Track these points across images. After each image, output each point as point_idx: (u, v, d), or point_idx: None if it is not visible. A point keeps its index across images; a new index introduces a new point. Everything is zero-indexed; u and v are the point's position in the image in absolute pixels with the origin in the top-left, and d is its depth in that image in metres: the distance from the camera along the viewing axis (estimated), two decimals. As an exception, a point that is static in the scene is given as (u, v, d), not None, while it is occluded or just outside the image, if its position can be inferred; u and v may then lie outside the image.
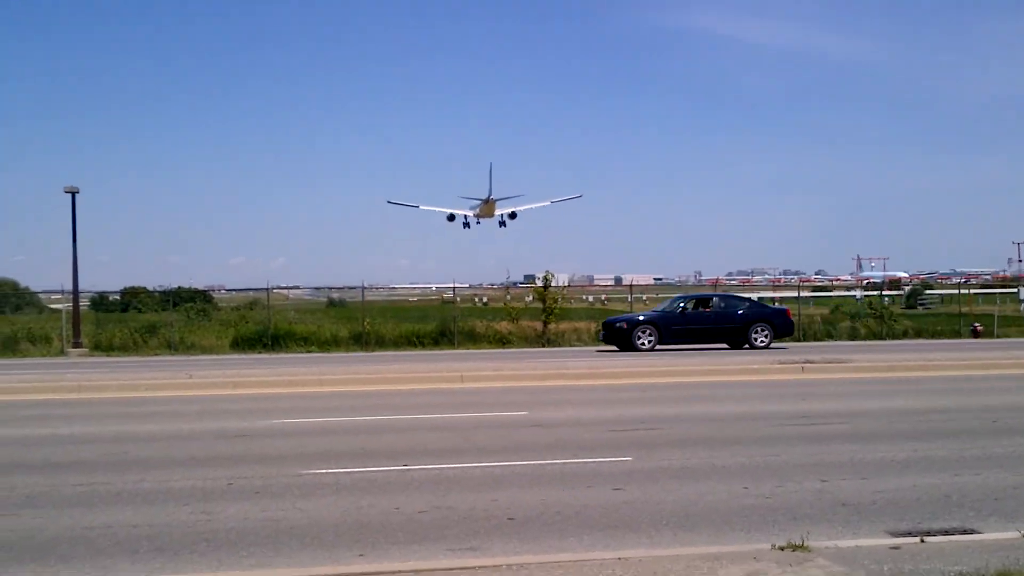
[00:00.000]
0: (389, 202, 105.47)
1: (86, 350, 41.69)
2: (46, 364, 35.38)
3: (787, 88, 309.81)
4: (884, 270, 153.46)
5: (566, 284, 55.62)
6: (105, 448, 15.09)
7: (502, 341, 43.73)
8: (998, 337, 46.88)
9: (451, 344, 43.20)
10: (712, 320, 37.65)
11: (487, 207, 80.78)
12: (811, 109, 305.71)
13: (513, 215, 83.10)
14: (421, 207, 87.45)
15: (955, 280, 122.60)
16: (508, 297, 61.13)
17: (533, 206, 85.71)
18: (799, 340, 43.24)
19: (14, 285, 75.12)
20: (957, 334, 47.83)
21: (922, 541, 8.83)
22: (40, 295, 71.83)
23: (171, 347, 42.28)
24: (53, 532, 9.82)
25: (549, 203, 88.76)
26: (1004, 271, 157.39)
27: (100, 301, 75.67)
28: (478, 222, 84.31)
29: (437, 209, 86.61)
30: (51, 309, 63.82)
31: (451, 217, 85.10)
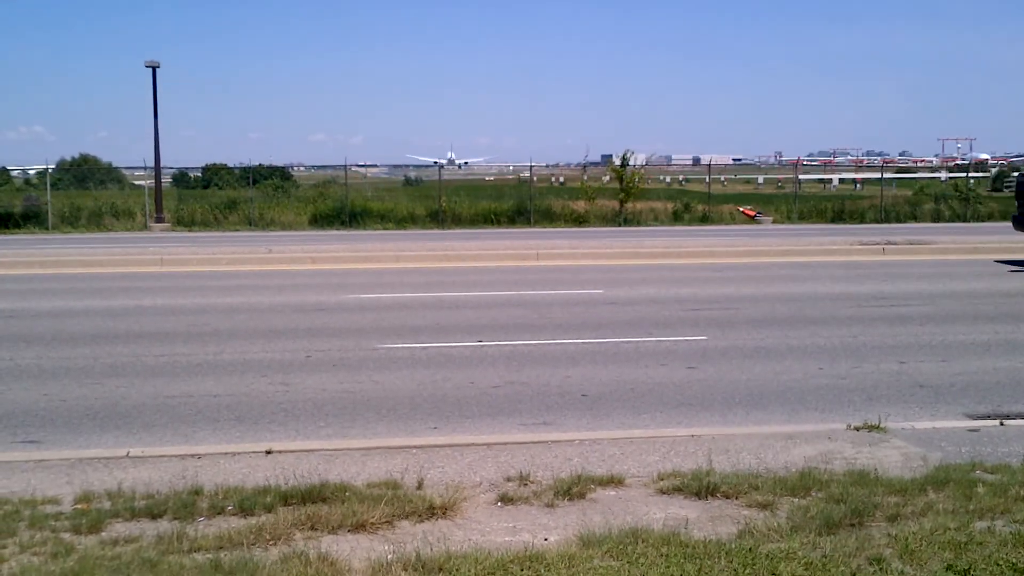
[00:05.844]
0: (407, 155, 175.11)
1: (168, 225, 42.36)
2: (129, 238, 36.00)
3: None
4: (970, 151, 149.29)
5: (644, 164, 54.87)
6: (187, 320, 15.40)
7: (578, 220, 43.45)
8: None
9: (527, 223, 43.04)
10: None
11: (449, 164, 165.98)
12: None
13: (466, 163, 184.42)
14: (419, 157, 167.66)
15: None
16: (585, 177, 60.62)
17: (476, 159, 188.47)
18: (880, 222, 42.43)
19: (97, 160, 76.23)
20: (1045, 217, 46.56)
21: (1001, 424, 8.70)
22: (123, 171, 72.99)
23: (251, 223, 42.72)
24: (136, 400, 10.07)
25: (483, 160, 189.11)
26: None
27: (182, 177, 76.75)
28: (449, 164, 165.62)
29: (429, 159, 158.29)
30: (134, 185, 64.77)
31: (435, 162, 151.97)
